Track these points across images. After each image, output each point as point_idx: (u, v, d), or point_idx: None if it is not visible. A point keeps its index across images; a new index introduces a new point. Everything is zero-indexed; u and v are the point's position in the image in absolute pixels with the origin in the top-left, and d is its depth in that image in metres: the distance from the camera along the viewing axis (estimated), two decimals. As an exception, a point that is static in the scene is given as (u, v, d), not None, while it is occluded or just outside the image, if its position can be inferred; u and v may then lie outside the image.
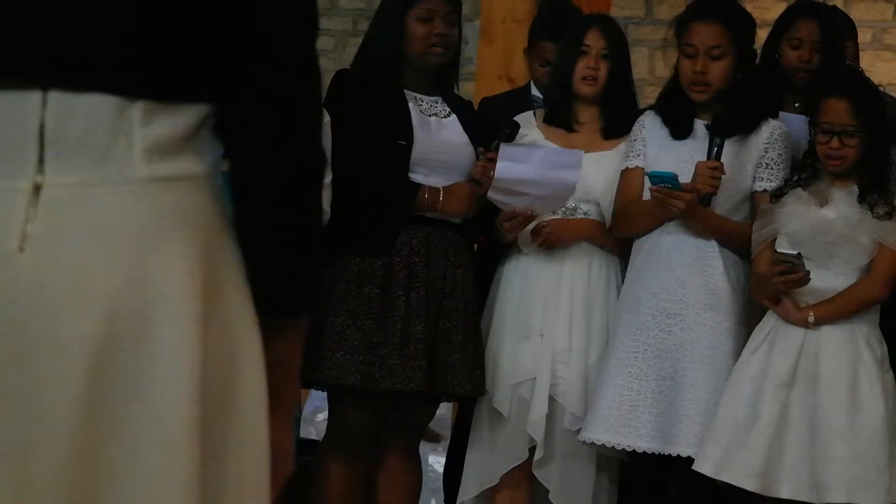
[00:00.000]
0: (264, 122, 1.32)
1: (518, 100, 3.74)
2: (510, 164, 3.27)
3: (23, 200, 1.25)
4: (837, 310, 3.15)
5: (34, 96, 1.26)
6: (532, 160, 3.29)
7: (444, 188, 3.30)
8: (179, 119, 1.30)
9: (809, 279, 3.11)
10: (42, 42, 1.26)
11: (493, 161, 3.28)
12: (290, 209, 1.33)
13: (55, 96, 1.26)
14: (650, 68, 6.51)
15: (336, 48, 7.23)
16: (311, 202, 1.36)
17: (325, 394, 3.52)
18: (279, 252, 1.33)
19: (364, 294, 3.23)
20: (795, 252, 3.10)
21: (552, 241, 3.37)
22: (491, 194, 3.30)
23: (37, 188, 1.25)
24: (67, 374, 1.22)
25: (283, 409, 1.36)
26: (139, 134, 1.27)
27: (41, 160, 1.26)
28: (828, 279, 3.16)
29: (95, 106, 1.26)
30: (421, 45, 3.31)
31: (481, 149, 3.33)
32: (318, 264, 1.41)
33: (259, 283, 1.32)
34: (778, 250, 3.13)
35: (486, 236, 3.56)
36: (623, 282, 3.39)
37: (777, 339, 3.17)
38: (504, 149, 3.31)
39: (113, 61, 1.26)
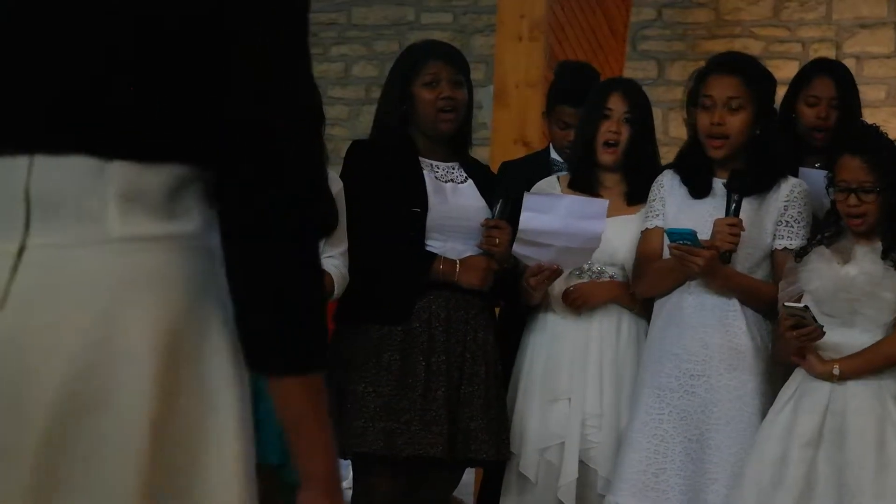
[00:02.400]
0: (253, 183, 1.30)
1: (538, 163, 3.74)
2: (534, 215, 3.25)
3: (8, 262, 1.27)
4: (864, 364, 3.11)
5: (21, 161, 1.28)
6: (556, 210, 3.28)
7: (461, 261, 3.29)
8: (157, 179, 1.30)
9: (823, 332, 3.07)
10: (27, 109, 1.29)
11: (497, 229, 3.28)
12: (286, 264, 1.31)
13: (40, 160, 1.28)
14: (664, 129, 6.54)
15: (350, 116, 7.29)
16: (309, 252, 1.33)
17: (348, 462, 3.50)
18: (278, 306, 1.31)
19: (384, 361, 3.21)
20: (802, 305, 3.06)
21: (580, 303, 3.35)
22: (515, 248, 3.29)
23: (21, 250, 1.27)
24: (24, 436, 1.23)
25: (314, 482, 1.33)
26: (115, 194, 1.28)
27: (27, 223, 1.28)
28: (853, 336, 3.13)
29: (76, 168, 1.28)
30: (429, 110, 3.32)
31: (483, 221, 3.32)
32: (321, 319, 1.35)
33: (257, 342, 1.31)
34: (785, 304, 3.10)
35: (506, 302, 3.54)
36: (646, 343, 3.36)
37: (803, 397, 3.13)
38: (528, 199, 3.30)
39: (89, 123, 1.28)
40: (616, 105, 3.40)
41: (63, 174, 1.28)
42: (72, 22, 1.28)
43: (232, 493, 1.29)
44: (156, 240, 1.29)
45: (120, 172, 1.28)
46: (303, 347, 1.32)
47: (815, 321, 3.05)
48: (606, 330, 3.36)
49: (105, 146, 1.28)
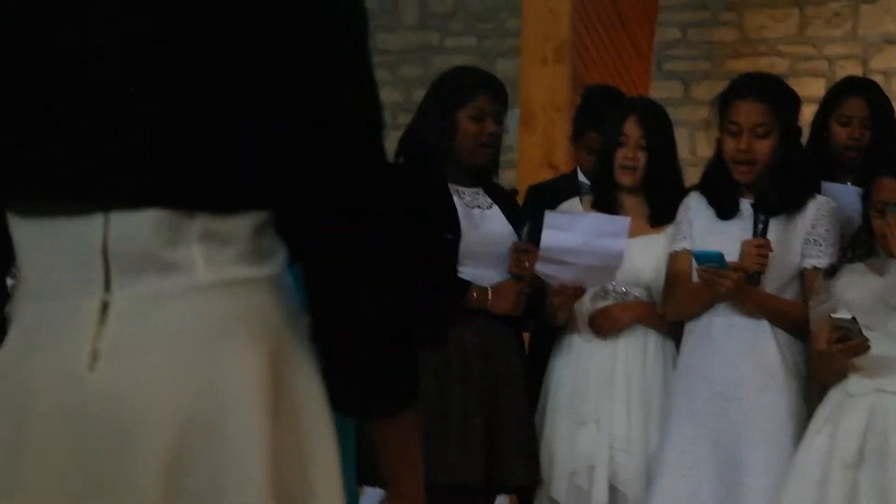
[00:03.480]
0: (338, 225, 1.30)
1: (565, 186, 3.74)
2: (555, 233, 3.24)
3: (92, 319, 1.27)
4: None
5: (97, 218, 1.28)
6: (577, 228, 3.27)
7: (493, 287, 3.28)
8: (238, 225, 1.30)
9: (869, 346, 3.03)
10: (99, 166, 1.28)
11: (525, 252, 3.26)
12: (372, 310, 1.31)
13: (116, 216, 1.28)
14: (691, 149, 6.51)
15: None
16: (398, 291, 1.32)
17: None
18: (364, 353, 1.31)
19: (420, 389, 3.19)
20: (850, 316, 3.02)
21: (607, 327, 3.34)
22: (538, 267, 3.27)
23: (104, 306, 1.27)
24: (143, 489, 1.22)
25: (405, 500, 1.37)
26: (198, 243, 1.28)
27: (107, 278, 1.28)
28: (892, 349, 3.08)
29: (153, 221, 1.27)
30: (471, 143, 3.31)
31: (511, 245, 3.31)
32: (414, 354, 1.36)
33: (351, 385, 1.31)
34: (832, 316, 3.05)
35: (536, 323, 3.53)
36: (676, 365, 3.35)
37: (842, 417, 3.09)
38: (549, 216, 3.29)
39: (166, 179, 1.27)
40: (631, 131, 3.39)
41: (143, 228, 1.27)
42: (138, 78, 1.28)
43: None
44: (242, 283, 1.29)
45: (202, 222, 1.28)
46: (398, 389, 1.34)
47: (862, 333, 3.01)
48: (633, 351, 3.34)
49: (181, 198, 1.27)
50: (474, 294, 3.26)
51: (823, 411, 3.14)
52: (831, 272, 3.20)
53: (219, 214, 1.28)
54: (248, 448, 1.24)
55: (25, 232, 1.33)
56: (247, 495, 1.23)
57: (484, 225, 3.34)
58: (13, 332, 1.33)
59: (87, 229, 1.28)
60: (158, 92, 1.28)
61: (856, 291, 3.12)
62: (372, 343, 1.30)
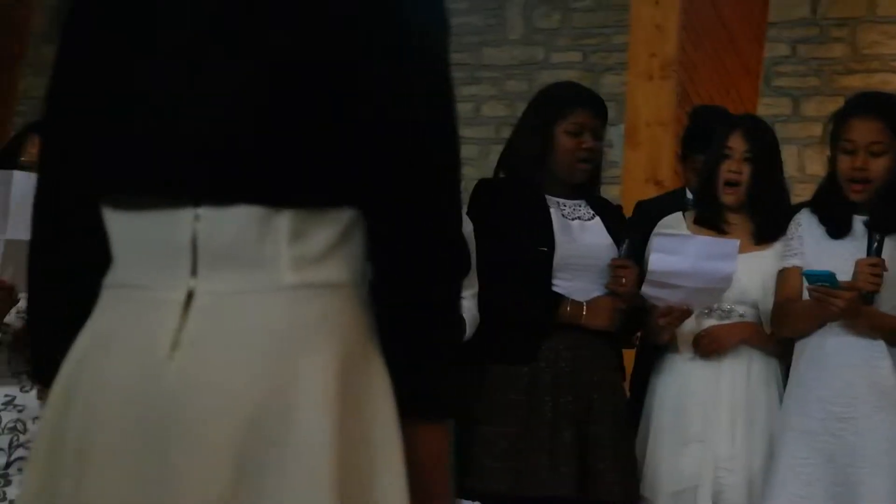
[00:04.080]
0: (403, 228, 1.32)
1: (673, 202, 3.71)
2: (663, 256, 3.20)
3: (176, 309, 1.30)
4: None
5: (187, 212, 1.31)
6: (686, 251, 3.22)
7: (587, 303, 3.24)
8: (325, 226, 1.32)
9: None
10: (190, 162, 1.31)
11: (624, 268, 3.23)
12: (429, 316, 1.34)
13: (205, 211, 1.31)
14: (799, 166, 6.44)
15: (479, 156, 7.31)
16: (451, 308, 1.37)
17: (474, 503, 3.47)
18: (418, 359, 1.34)
19: (510, 401, 3.19)
20: None
21: (713, 348, 3.29)
22: (645, 289, 3.24)
23: (189, 297, 1.30)
24: (212, 474, 1.25)
25: None
26: (286, 242, 1.30)
27: (194, 271, 1.30)
28: None
29: (243, 217, 1.30)
30: (568, 158, 3.29)
31: (610, 261, 3.27)
32: (459, 369, 1.39)
33: (401, 388, 1.33)
34: None
35: (641, 339, 3.50)
36: (783, 383, 3.29)
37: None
38: (657, 240, 3.25)
39: (256, 175, 1.30)
40: (736, 144, 3.35)
41: (230, 224, 1.30)
42: (232, 73, 1.30)
43: None
44: (324, 287, 1.31)
45: (291, 221, 1.30)
46: (440, 397, 1.36)
47: None
48: (737, 371, 3.29)
49: (271, 194, 1.30)
50: (567, 308, 3.23)
51: None
52: None
53: (306, 211, 1.30)
54: (314, 451, 1.25)
55: (118, 224, 1.36)
56: (310, 488, 1.25)
57: (582, 237, 3.31)
58: (99, 317, 1.36)
59: (178, 223, 1.31)
60: (251, 91, 1.30)
61: None
62: (418, 346, 1.34)
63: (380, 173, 1.32)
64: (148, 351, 1.29)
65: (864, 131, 3.21)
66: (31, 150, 2.93)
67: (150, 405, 1.28)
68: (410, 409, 1.33)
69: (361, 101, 1.32)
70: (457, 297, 1.38)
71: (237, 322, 1.28)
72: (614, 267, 3.26)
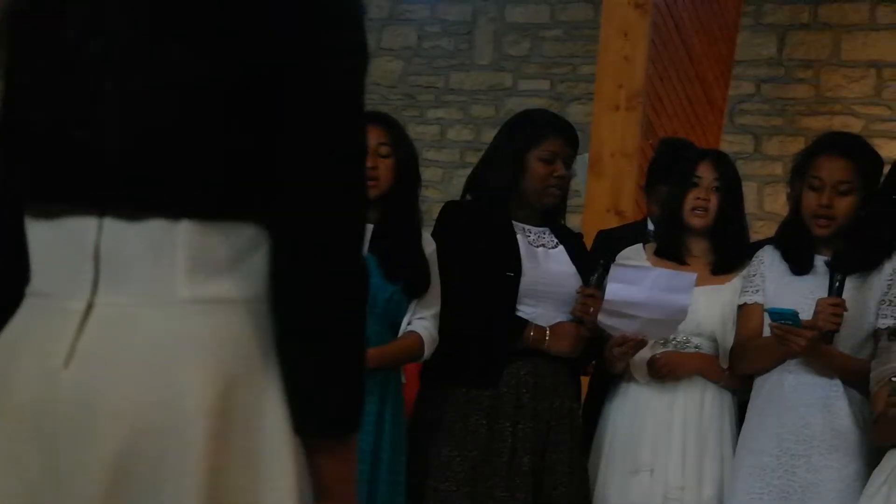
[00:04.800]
0: (301, 244, 1.32)
1: (634, 234, 3.72)
2: (621, 287, 3.22)
3: (75, 319, 1.32)
4: None
5: (90, 222, 1.33)
6: (643, 282, 3.24)
7: (550, 327, 3.25)
8: (224, 240, 1.33)
9: None
10: (96, 172, 1.32)
11: (592, 297, 3.25)
12: (329, 331, 1.33)
13: (109, 222, 1.32)
14: (759, 203, 6.49)
15: (443, 179, 7.31)
16: (352, 322, 1.35)
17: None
18: (313, 377, 1.34)
19: (471, 425, 3.18)
20: None
21: (667, 372, 3.30)
22: (601, 319, 3.25)
23: (88, 308, 1.32)
24: (91, 480, 1.27)
25: None
26: (182, 255, 1.31)
27: (95, 282, 1.33)
28: None
29: (143, 229, 1.31)
30: (540, 184, 3.30)
31: (579, 288, 3.29)
32: (361, 384, 1.37)
33: (294, 406, 1.33)
34: (893, 379, 2.99)
35: (593, 364, 3.51)
36: (737, 416, 3.31)
37: (899, 481, 3.02)
38: (615, 271, 3.27)
39: (157, 187, 1.31)
40: (705, 173, 3.39)
41: (133, 235, 1.32)
42: (137, 88, 1.31)
43: None
44: (220, 302, 1.33)
45: (188, 232, 1.31)
46: (336, 415, 1.35)
47: None
48: (690, 402, 3.30)
49: (173, 207, 1.31)
50: (531, 333, 3.23)
51: (881, 474, 3.04)
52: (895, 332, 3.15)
53: (205, 225, 1.31)
54: (190, 467, 1.27)
55: (34, 234, 1.39)
56: (180, 496, 1.27)
57: (547, 264, 3.32)
58: (11, 324, 1.39)
59: (83, 233, 1.33)
60: (155, 106, 1.30)
61: None
62: (320, 364, 1.33)
63: (282, 192, 1.32)
64: (45, 359, 1.32)
65: (832, 169, 3.23)
66: None
67: (44, 412, 1.30)
68: (305, 428, 1.33)
69: (267, 120, 1.32)
70: (355, 321, 1.36)
71: (128, 335, 1.30)
72: (584, 295, 3.27)
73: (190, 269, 1.31)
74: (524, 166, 3.29)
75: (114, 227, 1.32)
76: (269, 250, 1.34)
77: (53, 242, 1.36)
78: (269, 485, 1.30)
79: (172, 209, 1.31)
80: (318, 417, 1.33)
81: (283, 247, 1.33)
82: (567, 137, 3.35)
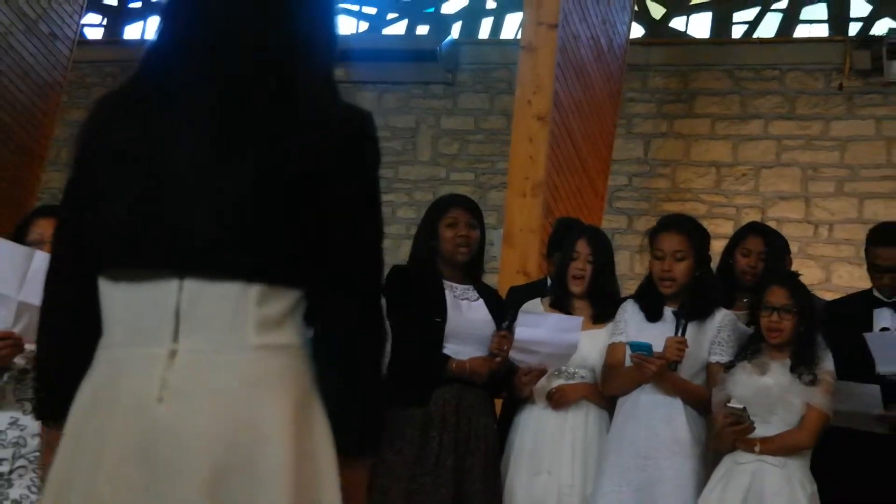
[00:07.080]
0: (343, 312, 1.33)
1: (537, 290, 3.74)
2: (526, 329, 3.26)
3: (162, 363, 1.28)
4: (776, 446, 3.06)
5: (172, 284, 1.30)
6: (543, 325, 3.28)
7: (469, 361, 3.25)
8: (282, 301, 1.32)
9: (754, 428, 3.04)
10: (180, 240, 1.30)
11: (505, 338, 3.26)
12: (362, 377, 1.34)
13: (189, 283, 1.29)
14: (631, 267, 6.53)
15: (393, 248, 7.29)
16: (377, 370, 1.36)
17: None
18: (353, 409, 1.34)
19: (407, 435, 3.18)
20: (742, 406, 3.03)
21: (561, 401, 3.33)
22: (512, 354, 3.28)
23: (172, 353, 1.29)
24: (190, 495, 1.25)
25: None
26: (253, 312, 1.30)
27: (176, 332, 1.29)
28: (770, 431, 3.09)
29: (222, 291, 1.29)
30: (450, 244, 3.33)
31: (494, 332, 3.31)
32: (381, 419, 1.39)
33: (340, 430, 1.33)
34: (728, 405, 3.05)
35: (508, 393, 3.50)
36: (610, 430, 3.31)
37: (730, 479, 3.08)
38: (521, 317, 3.30)
39: (236, 257, 1.29)
40: (582, 248, 3.43)
41: (212, 296, 1.28)
42: (224, 177, 1.29)
43: None
44: (280, 348, 1.31)
45: (259, 295, 1.29)
46: (371, 436, 1.36)
47: (750, 419, 3.01)
48: (578, 419, 3.32)
49: (248, 274, 1.29)
50: (454, 365, 3.24)
51: (717, 473, 3.11)
52: (729, 366, 3.20)
53: (270, 288, 1.30)
54: (277, 473, 1.26)
55: (115, 294, 1.33)
56: (275, 491, 1.25)
57: (469, 313, 3.33)
58: (96, 373, 1.33)
59: (165, 293, 1.29)
60: (236, 193, 1.29)
61: (741, 389, 3.11)
62: (353, 398, 1.34)
63: (325, 266, 1.33)
64: (141, 396, 1.28)
65: (669, 242, 3.28)
66: (36, 230, 2.81)
67: (145, 440, 1.27)
68: (342, 446, 1.33)
69: (314, 211, 1.33)
70: (379, 361, 1.37)
71: (212, 374, 1.27)
72: (499, 336, 3.28)
73: (259, 322, 1.29)
74: (436, 233, 3.33)
75: (194, 289, 1.28)
76: (310, 308, 1.34)
77: (135, 302, 1.31)
78: (324, 476, 1.31)
79: (248, 276, 1.29)
80: (347, 440, 1.33)
81: (325, 307, 1.33)
82: (465, 206, 3.38)
